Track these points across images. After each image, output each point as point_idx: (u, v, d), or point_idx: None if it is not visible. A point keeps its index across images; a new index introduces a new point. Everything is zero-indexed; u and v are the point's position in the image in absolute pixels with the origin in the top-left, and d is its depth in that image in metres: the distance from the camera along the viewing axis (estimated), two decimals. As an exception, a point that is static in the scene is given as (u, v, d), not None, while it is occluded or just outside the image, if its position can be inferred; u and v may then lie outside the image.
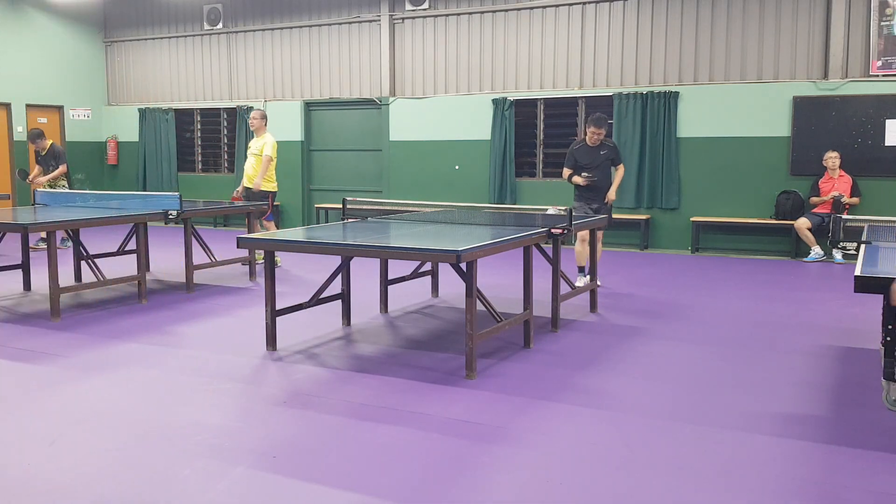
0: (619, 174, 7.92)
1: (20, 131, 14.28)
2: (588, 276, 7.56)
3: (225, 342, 5.73)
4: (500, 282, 7.83)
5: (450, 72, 12.57)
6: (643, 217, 11.18)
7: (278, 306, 5.62)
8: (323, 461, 3.57)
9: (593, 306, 6.90)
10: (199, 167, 15.13)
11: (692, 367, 5.14)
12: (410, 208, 9.22)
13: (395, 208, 10.38)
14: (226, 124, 14.68)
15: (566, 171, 7.80)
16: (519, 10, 11.97)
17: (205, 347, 5.59)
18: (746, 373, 4.99)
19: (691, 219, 10.94)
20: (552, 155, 12.04)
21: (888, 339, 4.08)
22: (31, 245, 8.36)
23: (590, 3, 11.52)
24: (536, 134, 12.08)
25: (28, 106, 14.40)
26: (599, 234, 7.49)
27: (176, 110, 15.02)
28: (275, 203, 9.53)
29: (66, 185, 10.65)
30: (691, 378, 4.88)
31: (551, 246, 5.97)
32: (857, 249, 4.84)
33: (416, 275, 7.29)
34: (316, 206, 13.57)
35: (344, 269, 6.12)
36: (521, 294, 5.64)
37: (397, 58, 13.00)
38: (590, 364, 5.20)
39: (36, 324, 6.31)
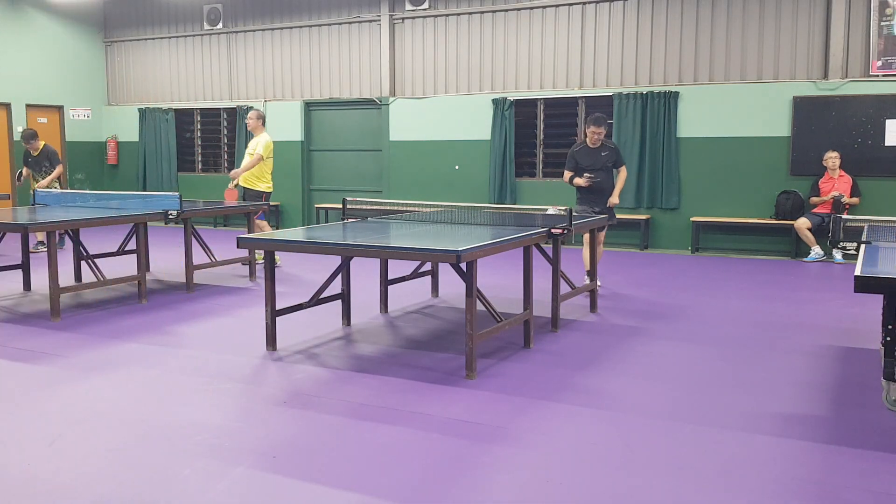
0: (621, 177, 7.81)
1: (20, 131, 14.26)
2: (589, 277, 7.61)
3: (225, 342, 5.73)
4: (500, 282, 7.83)
5: (450, 72, 12.57)
6: (643, 217, 11.18)
7: (278, 306, 5.62)
8: (323, 461, 3.57)
9: (593, 306, 6.90)
10: (199, 167, 15.13)
11: (692, 367, 5.14)
12: (410, 208, 9.22)
13: (395, 208, 10.38)
14: (226, 124, 14.69)
15: (567, 174, 7.72)
16: (519, 10, 11.97)
17: (205, 347, 5.59)
18: (746, 373, 4.99)
19: (691, 219, 10.94)
20: (552, 155, 12.04)
21: (888, 339, 4.08)
22: (30, 248, 8.34)
23: (590, 3, 11.52)
24: (536, 134, 12.08)
25: (28, 106, 14.40)
26: (601, 235, 7.51)
27: (176, 110, 15.02)
28: (270, 203, 9.51)
29: (58, 186, 10.50)
30: (691, 378, 4.88)
31: (551, 246, 5.97)
32: (857, 249, 4.84)
33: (416, 275, 7.29)
34: (316, 206, 13.57)
35: (344, 269, 6.12)
36: (521, 294, 5.64)
37: (397, 58, 13.00)
38: (590, 364, 5.20)
39: (36, 324, 6.31)
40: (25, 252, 7.85)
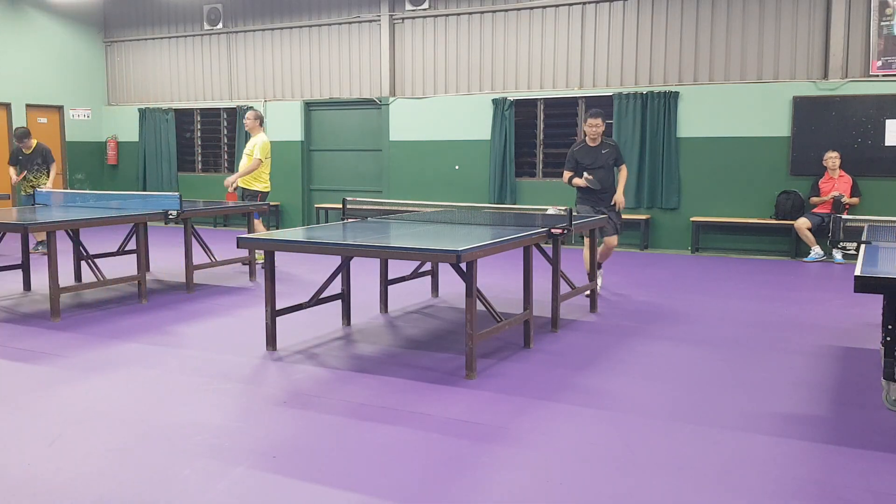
0: (623, 176, 7.65)
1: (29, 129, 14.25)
2: (600, 272, 7.71)
3: (225, 342, 5.73)
4: (500, 282, 7.83)
5: (450, 72, 12.57)
6: (643, 217, 11.18)
7: (278, 306, 5.62)
8: (323, 461, 3.57)
9: (593, 306, 6.89)
10: (199, 167, 15.13)
11: (692, 367, 5.14)
12: (410, 208, 9.22)
13: (395, 208, 10.38)
14: (226, 124, 14.69)
15: (566, 174, 7.56)
16: (519, 10, 11.97)
17: (205, 347, 5.59)
18: (746, 373, 4.99)
19: (691, 219, 10.94)
20: (552, 155, 12.04)
21: (888, 339, 4.08)
22: (30, 248, 8.33)
23: (590, 3, 11.52)
24: (536, 134, 12.08)
25: (28, 106, 14.40)
26: (614, 240, 7.55)
27: (176, 110, 15.02)
28: (269, 203, 9.51)
29: (48, 184, 10.30)
30: (691, 378, 4.88)
31: (551, 246, 5.97)
32: (857, 249, 4.84)
33: (416, 275, 7.29)
34: (316, 206, 13.57)
35: (344, 269, 6.12)
36: (521, 294, 5.64)
37: (397, 58, 13.00)
38: (590, 364, 5.19)
39: (36, 324, 6.31)
40: (25, 252, 7.85)
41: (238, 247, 5.56)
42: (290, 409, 4.27)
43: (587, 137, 7.55)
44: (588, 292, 6.93)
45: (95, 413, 4.21)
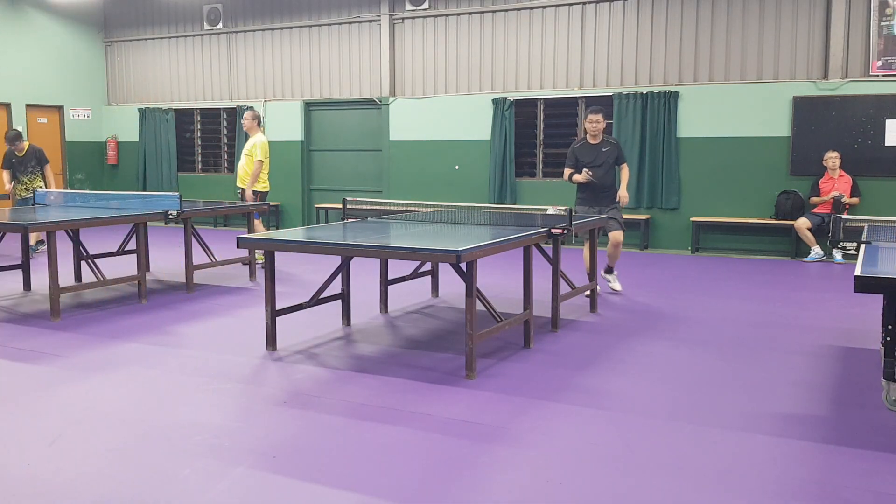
0: (625, 174, 7.52)
1: (20, 131, 14.24)
2: (615, 274, 7.70)
3: (225, 342, 5.73)
4: (500, 282, 7.83)
5: (450, 72, 12.57)
6: (643, 217, 11.18)
7: (278, 306, 5.62)
8: (323, 461, 3.57)
9: (593, 306, 6.89)
10: (199, 167, 15.13)
11: (692, 367, 5.14)
12: (410, 208, 9.21)
13: (395, 208, 10.38)
14: (226, 124, 14.69)
15: (566, 171, 7.50)
16: (519, 10, 11.97)
17: (205, 347, 5.59)
18: (746, 373, 4.99)
19: (691, 219, 10.94)
20: (552, 155, 12.04)
21: (888, 339, 4.08)
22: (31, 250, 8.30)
23: (590, 3, 11.52)
24: (536, 134, 12.08)
25: (28, 106, 14.40)
26: (617, 235, 7.43)
27: (176, 110, 15.02)
28: (269, 203, 9.49)
29: (43, 186, 10.13)
30: (691, 378, 4.88)
31: (551, 246, 5.97)
32: (857, 249, 4.84)
33: (416, 275, 7.29)
34: (316, 206, 13.57)
35: (344, 269, 6.12)
36: (521, 294, 5.64)
37: (397, 58, 13.00)
38: (590, 364, 5.19)
39: (36, 324, 6.31)
40: (25, 252, 7.85)
41: (238, 247, 5.56)
42: (290, 409, 4.27)
43: (588, 135, 7.46)
44: (588, 292, 6.93)
45: (95, 413, 4.21)
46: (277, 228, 13.38)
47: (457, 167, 12.53)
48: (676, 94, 10.98)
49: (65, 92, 15.08)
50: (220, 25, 14.40)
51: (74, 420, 4.09)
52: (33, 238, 9.80)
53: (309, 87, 13.81)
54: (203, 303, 7.19)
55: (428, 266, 7.44)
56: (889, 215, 9.29)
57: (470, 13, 12.33)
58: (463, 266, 4.76)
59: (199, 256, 8.26)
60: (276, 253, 5.56)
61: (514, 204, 12.02)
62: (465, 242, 5.00)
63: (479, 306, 5.03)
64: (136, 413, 4.21)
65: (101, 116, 15.80)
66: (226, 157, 14.77)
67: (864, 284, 3.83)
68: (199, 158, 15.12)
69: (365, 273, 7.75)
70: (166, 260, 9.46)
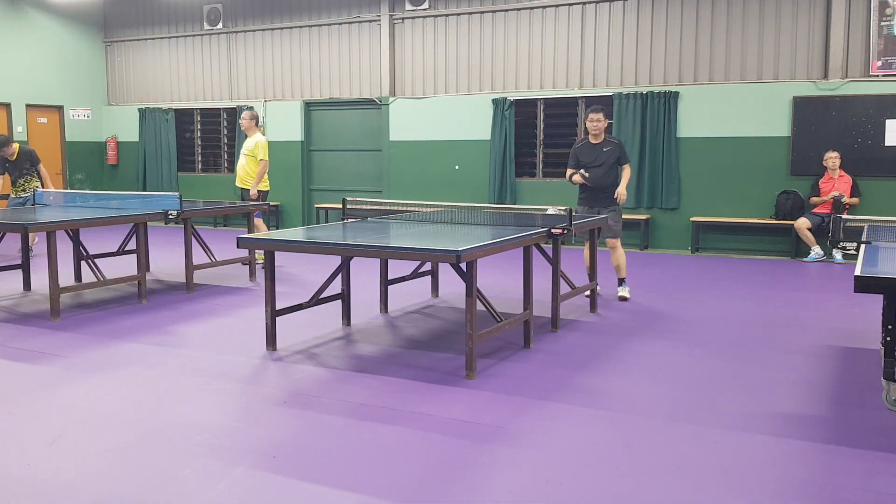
0: (626, 173, 7.34)
1: (20, 131, 14.27)
2: (627, 286, 7.48)
3: (225, 342, 5.73)
4: (500, 282, 7.83)
5: (450, 72, 12.57)
6: (643, 217, 11.18)
7: (278, 306, 5.62)
8: (323, 461, 3.57)
9: (593, 306, 6.89)
10: (199, 167, 15.13)
11: (692, 367, 5.14)
12: (410, 208, 9.21)
13: (395, 208, 10.37)
14: (226, 124, 14.68)
15: (568, 172, 7.42)
16: (519, 10, 11.97)
17: (205, 347, 5.59)
18: (746, 373, 4.99)
19: (691, 219, 10.94)
20: (552, 155, 12.04)
21: (888, 339, 4.08)
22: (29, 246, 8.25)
23: (590, 3, 11.52)
24: (536, 134, 12.08)
25: (28, 106, 14.40)
26: (613, 242, 7.31)
27: (176, 110, 15.02)
28: (269, 203, 9.49)
29: (40, 185, 9.92)
30: (691, 378, 4.88)
31: (551, 246, 5.97)
32: (857, 249, 4.84)
33: (416, 275, 7.29)
34: (316, 206, 13.57)
35: (344, 269, 6.12)
36: (521, 294, 5.64)
37: (397, 58, 13.00)
38: (590, 364, 5.19)
39: (36, 324, 6.31)
40: (25, 252, 7.85)
41: (238, 247, 5.56)
42: (290, 409, 4.27)
43: (589, 135, 7.38)
44: (588, 292, 6.93)
45: (95, 413, 4.21)
46: (277, 228, 13.38)
47: (457, 167, 12.53)
48: (676, 94, 10.98)
49: (65, 92, 15.08)
50: (220, 25, 14.40)
51: (74, 420, 4.09)
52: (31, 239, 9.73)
53: (309, 87, 13.81)
54: (203, 303, 7.19)
55: (428, 266, 7.44)
56: (889, 215, 9.29)
57: (470, 13, 12.33)
58: (463, 266, 4.76)
59: (199, 256, 8.26)
60: (276, 253, 5.56)
61: (514, 204, 12.02)
62: (465, 242, 5.00)
63: (479, 306, 5.03)
64: (136, 413, 4.21)
65: (101, 116, 15.80)
66: (226, 157, 14.77)
67: (864, 284, 3.84)
68: (199, 158, 15.12)
69: (365, 273, 7.75)
70: (166, 260, 9.46)
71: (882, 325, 4.17)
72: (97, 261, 7.71)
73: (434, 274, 7.50)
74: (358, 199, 8.06)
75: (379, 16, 12.99)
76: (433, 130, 12.70)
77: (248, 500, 3.17)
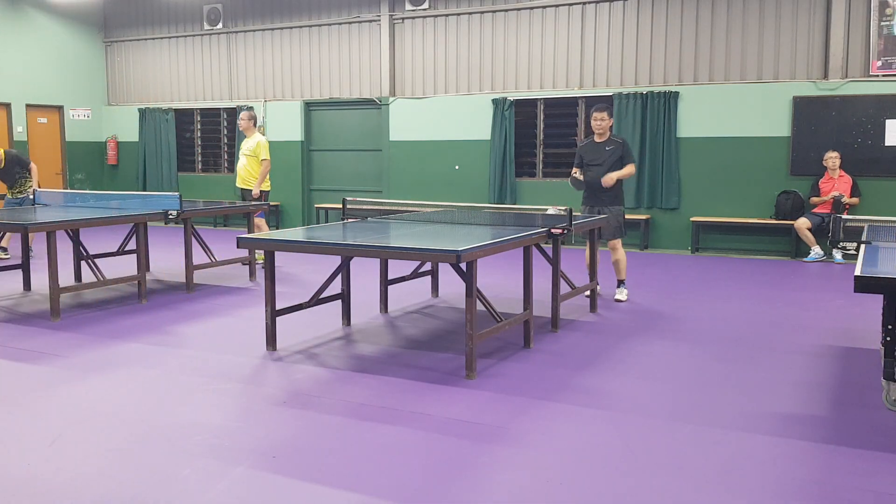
0: (625, 170, 7.14)
1: (20, 131, 14.28)
2: (626, 289, 7.42)
3: (225, 342, 5.73)
4: (500, 282, 7.83)
5: (450, 72, 12.57)
6: (643, 217, 11.18)
7: (278, 306, 5.62)
8: (323, 461, 3.57)
9: (593, 306, 6.89)
10: (199, 167, 15.12)
11: (692, 367, 5.14)
12: (410, 208, 9.22)
13: (395, 208, 10.38)
14: (226, 124, 14.68)
15: (574, 171, 7.35)
16: (519, 10, 11.97)
17: (205, 347, 5.59)
18: (746, 373, 4.99)
19: (691, 219, 10.94)
20: (552, 155, 12.04)
21: (888, 339, 4.08)
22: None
23: (590, 3, 11.52)
24: (536, 134, 12.08)
25: (28, 106, 14.40)
26: (614, 243, 7.24)
27: (176, 110, 15.02)
28: (269, 203, 9.51)
29: (36, 185, 9.73)
30: (691, 378, 4.88)
31: (551, 246, 5.97)
32: (857, 249, 4.84)
33: (416, 275, 7.29)
34: (316, 206, 13.57)
35: (344, 269, 6.12)
36: (521, 294, 5.64)
37: (397, 58, 13.00)
38: (590, 364, 5.19)
39: (36, 324, 6.31)
40: (25, 252, 7.85)
41: (238, 247, 5.56)
42: (290, 409, 4.27)
43: (594, 134, 7.30)
44: (588, 292, 6.93)
45: (95, 413, 4.21)
46: (277, 228, 13.38)
47: (457, 167, 12.53)
48: (676, 94, 10.97)
49: (65, 92, 15.08)
50: (220, 25, 14.40)
51: (74, 420, 4.09)
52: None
53: (309, 87, 13.81)
54: (203, 303, 7.19)
55: (428, 266, 7.44)
56: (889, 215, 9.30)
57: (470, 13, 12.32)
58: (463, 266, 4.76)
59: (199, 256, 8.26)
60: (276, 253, 5.56)
61: (514, 204, 12.02)
62: (465, 242, 5.00)
63: (479, 306, 5.03)
64: (136, 413, 4.21)
65: (101, 116, 15.80)
66: (226, 157, 14.77)
67: (864, 284, 3.84)
68: (199, 158, 15.12)
69: (365, 273, 7.75)
70: (166, 260, 9.46)
71: (882, 325, 4.17)
72: (97, 261, 7.71)
73: (434, 274, 7.50)
74: (358, 199, 8.07)
75: (379, 16, 12.99)
76: (433, 130, 12.70)
77: (248, 500, 3.17)
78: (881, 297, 4.19)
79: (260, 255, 8.29)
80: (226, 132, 14.72)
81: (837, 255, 9.82)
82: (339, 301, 6.28)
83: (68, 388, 4.65)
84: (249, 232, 8.50)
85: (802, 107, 10.31)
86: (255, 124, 9.23)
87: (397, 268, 7.43)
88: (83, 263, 7.87)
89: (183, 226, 7.80)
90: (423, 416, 4.15)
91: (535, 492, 3.26)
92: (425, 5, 12.58)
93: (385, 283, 6.79)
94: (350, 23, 13.29)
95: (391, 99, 12.98)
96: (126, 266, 8.53)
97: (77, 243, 7.55)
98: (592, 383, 4.76)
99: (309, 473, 3.43)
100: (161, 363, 5.17)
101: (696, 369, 5.09)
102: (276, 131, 13.90)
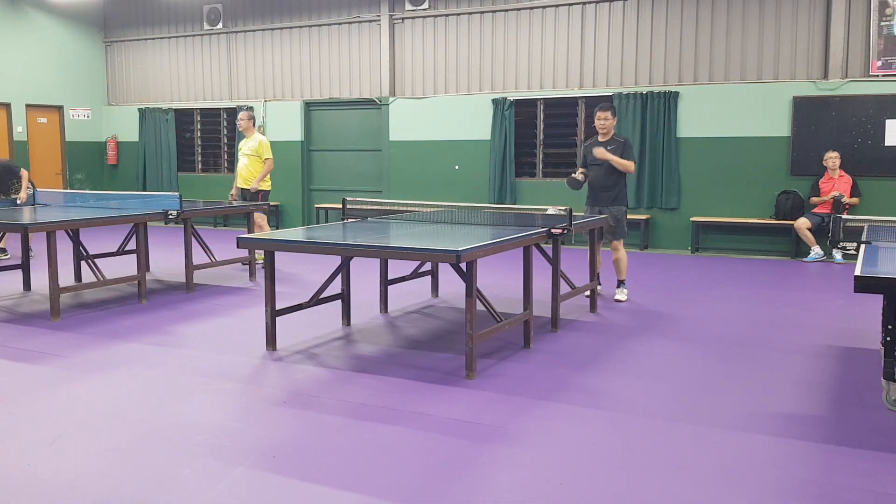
0: (623, 159, 7.06)
1: (20, 131, 14.28)
2: (626, 289, 7.41)
3: (225, 342, 5.73)
4: (500, 282, 7.83)
5: (450, 72, 12.57)
6: (643, 217, 11.18)
7: (278, 306, 5.62)
8: (323, 461, 3.57)
9: (593, 306, 6.89)
10: (199, 167, 15.13)
11: (692, 367, 5.14)
12: (410, 208, 9.22)
13: (395, 208, 10.38)
14: (226, 124, 14.68)
15: (578, 170, 7.38)
16: (519, 10, 11.97)
17: (205, 347, 5.59)
18: (746, 373, 4.99)
19: (691, 219, 10.94)
20: (552, 155, 12.04)
21: (888, 339, 4.08)
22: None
23: (590, 3, 11.52)
24: (536, 134, 12.08)
25: (28, 106, 14.40)
26: (616, 244, 7.23)
27: (176, 110, 15.02)
28: (269, 203, 9.52)
29: (31, 187, 9.55)
30: (691, 378, 4.88)
31: (551, 246, 5.97)
32: (857, 249, 4.84)
33: (416, 275, 7.29)
34: (316, 206, 13.58)
35: (344, 269, 6.12)
36: (521, 294, 5.64)
37: (397, 58, 13.00)
38: (590, 364, 5.19)
39: (36, 324, 6.31)
40: (25, 252, 7.85)
41: (238, 247, 5.56)
42: (290, 409, 4.27)
43: (599, 133, 7.30)
44: (588, 292, 6.92)
45: (95, 413, 4.21)
46: (277, 228, 13.38)
47: (457, 167, 12.53)
48: (676, 94, 10.97)
49: (65, 92, 15.08)
50: (220, 25, 14.40)
51: (74, 420, 4.09)
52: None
53: (309, 87, 13.81)
54: (203, 303, 7.19)
55: (428, 266, 7.44)
56: (889, 215, 9.29)
57: (470, 13, 12.32)
58: (463, 266, 4.76)
59: (199, 256, 8.26)
60: (276, 253, 5.56)
61: (514, 204, 12.02)
62: (465, 242, 5.00)
63: (479, 306, 5.03)
64: (136, 413, 4.21)
65: (101, 116, 15.80)
66: (226, 156, 14.77)
67: (864, 284, 3.84)
68: (199, 158, 15.12)
69: (365, 273, 7.75)
70: (166, 260, 9.46)
71: (882, 325, 4.17)
72: (97, 261, 7.71)
73: (434, 274, 7.50)
74: (358, 199, 8.07)
75: (379, 16, 12.99)
76: (433, 130, 12.70)
77: (248, 500, 3.17)
78: (881, 297, 4.19)
79: (260, 255, 8.29)
80: (226, 132, 14.72)
81: (837, 255, 9.83)
82: (339, 301, 6.28)
83: (68, 388, 4.65)
84: (249, 232, 8.51)
85: (802, 107, 10.31)
86: (254, 124, 9.24)
87: (397, 268, 7.43)
88: (83, 263, 7.87)
89: (183, 226, 7.81)
90: (423, 416, 4.15)
91: (535, 492, 3.26)
92: (425, 5, 12.58)
93: (385, 283, 6.79)
94: (350, 23, 13.29)
95: (391, 99, 12.98)
96: (126, 266, 8.53)
97: (77, 243, 7.55)
98: (592, 383, 4.76)
99: (309, 473, 3.43)
100: (161, 363, 5.17)
101: (696, 369, 5.09)
102: (276, 131, 13.90)
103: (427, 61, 12.74)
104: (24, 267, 7.84)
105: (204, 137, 15.03)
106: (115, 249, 8.65)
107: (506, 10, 12.05)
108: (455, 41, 12.49)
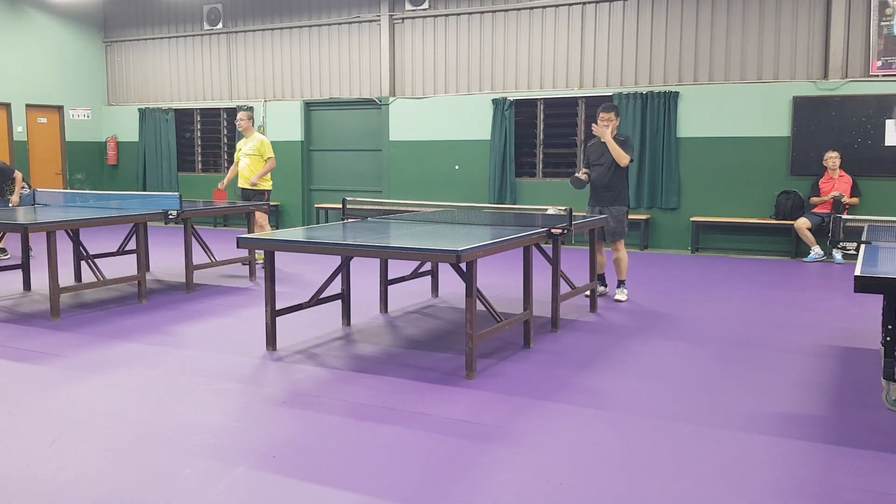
0: (619, 149, 7.05)
1: (20, 131, 14.28)
2: (626, 289, 7.40)
3: (225, 342, 5.73)
4: (500, 282, 7.83)
5: (450, 72, 12.57)
6: (643, 217, 11.18)
7: (278, 306, 5.62)
8: (323, 461, 3.57)
9: (593, 306, 6.89)
10: (199, 167, 15.13)
11: (692, 367, 5.14)
12: (410, 208, 9.22)
13: (395, 208, 10.38)
14: (226, 124, 14.68)
15: (582, 170, 7.38)
16: (519, 10, 11.97)
17: (205, 347, 5.59)
18: (746, 373, 4.99)
19: (691, 219, 10.94)
20: (552, 155, 12.04)
21: (888, 339, 4.09)
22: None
23: (590, 3, 11.52)
24: (536, 134, 12.08)
25: (28, 106, 14.40)
26: (617, 244, 7.21)
27: (176, 110, 15.02)
28: (270, 203, 9.52)
29: (27, 187, 9.68)
30: (691, 378, 4.88)
31: (551, 246, 5.97)
32: (857, 249, 4.84)
33: (416, 275, 7.29)
34: (316, 206, 13.58)
35: (344, 269, 6.12)
36: (521, 294, 5.64)
37: (397, 58, 13.00)
38: (590, 364, 5.19)
39: (36, 324, 6.31)
40: (25, 252, 7.84)
41: (238, 247, 5.56)
42: (290, 409, 4.27)
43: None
44: (588, 292, 6.92)
45: (95, 413, 4.21)
46: (277, 228, 13.38)
47: (457, 167, 12.53)
48: (676, 94, 10.98)
49: (65, 92, 15.08)
50: (220, 25, 14.40)
51: (74, 420, 4.09)
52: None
53: (309, 87, 13.81)
54: (203, 303, 7.19)
55: (428, 266, 7.44)
56: (889, 215, 9.30)
57: (470, 13, 12.32)
58: (463, 266, 4.76)
59: (199, 256, 8.26)
60: (276, 253, 5.56)
61: (514, 204, 12.02)
62: (465, 242, 5.00)
63: (479, 306, 5.03)
64: (136, 413, 4.21)
65: (101, 116, 15.80)
66: (226, 157, 14.77)
67: (864, 284, 3.84)
68: (199, 158, 15.12)
69: (365, 273, 7.75)
70: (166, 260, 9.46)
71: (882, 325, 4.17)
72: (97, 261, 7.71)
73: (434, 274, 7.50)
74: (358, 199, 8.07)
75: (379, 16, 12.99)
76: (433, 130, 12.70)
77: (248, 500, 3.17)
78: (881, 297, 4.19)
79: (260, 254, 8.29)
80: (226, 132, 14.72)
81: (837, 255, 9.83)
82: (339, 301, 6.28)
83: (68, 388, 4.65)
84: (250, 232, 8.51)
85: (802, 107, 10.31)
86: (253, 123, 9.24)
87: (397, 268, 7.43)
88: (83, 263, 7.87)
89: (183, 226, 7.81)
90: (423, 416, 4.15)
91: (535, 492, 3.26)
92: (425, 5, 12.58)
93: (385, 283, 6.79)
94: (350, 23, 13.29)
95: (391, 99, 12.98)
96: (126, 266, 8.53)
97: (77, 243, 7.55)
98: (592, 383, 4.76)
99: (309, 473, 3.43)
100: (161, 363, 5.17)
101: (696, 369, 5.09)
102: (276, 131, 13.90)
103: (427, 61, 12.74)
104: (24, 267, 7.84)
105: (204, 137, 15.03)
106: (115, 249, 8.65)
107: (506, 10, 12.05)
108: (455, 41, 12.49)
